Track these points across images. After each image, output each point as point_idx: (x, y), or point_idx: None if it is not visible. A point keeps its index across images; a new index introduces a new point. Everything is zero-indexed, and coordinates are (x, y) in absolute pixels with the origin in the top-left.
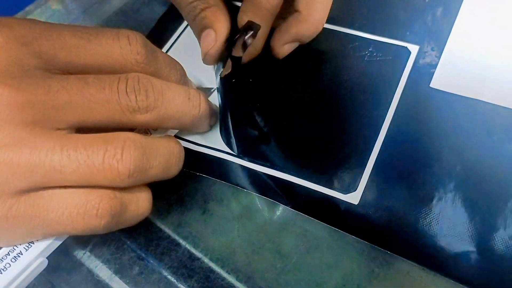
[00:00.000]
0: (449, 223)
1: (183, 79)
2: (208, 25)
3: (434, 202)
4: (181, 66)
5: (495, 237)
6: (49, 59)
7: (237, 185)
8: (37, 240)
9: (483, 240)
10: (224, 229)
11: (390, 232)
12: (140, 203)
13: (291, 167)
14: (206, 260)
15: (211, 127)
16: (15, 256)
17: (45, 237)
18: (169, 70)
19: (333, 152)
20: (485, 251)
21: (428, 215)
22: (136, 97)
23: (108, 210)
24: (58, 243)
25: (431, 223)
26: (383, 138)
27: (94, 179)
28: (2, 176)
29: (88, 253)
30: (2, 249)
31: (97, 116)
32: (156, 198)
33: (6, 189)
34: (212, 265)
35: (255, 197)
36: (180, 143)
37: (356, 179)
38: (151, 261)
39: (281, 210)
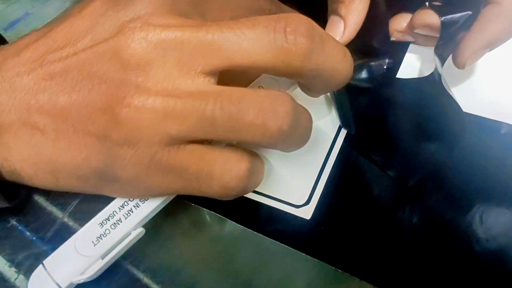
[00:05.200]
0: (402, 240)
1: None
2: (340, 14)
3: (388, 217)
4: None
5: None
6: (202, 8)
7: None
8: (138, 207)
9: (436, 256)
10: (169, 246)
11: (341, 249)
12: (260, 173)
13: None
14: (147, 281)
15: None
16: (114, 223)
17: (177, 193)
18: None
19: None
20: (439, 266)
21: (382, 231)
22: (295, 38)
23: (246, 174)
24: (157, 210)
25: (384, 240)
26: (338, 149)
27: (242, 135)
28: (155, 121)
29: None
30: (102, 212)
31: (247, 57)
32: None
33: (157, 134)
34: (155, 287)
35: (204, 212)
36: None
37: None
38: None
39: (230, 225)
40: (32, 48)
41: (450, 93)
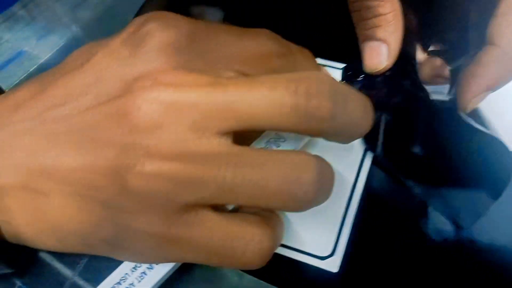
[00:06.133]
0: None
1: (315, 65)
2: (380, 37)
3: (429, 266)
4: (309, 52)
5: None
6: (210, 58)
7: None
8: (152, 268)
9: None
10: None
11: None
12: (281, 236)
13: None
14: None
15: None
16: (139, 276)
17: (194, 262)
18: (303, 58)
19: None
20: None
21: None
22: (319, 102)
23: (270, 250)
24: (173, 270)
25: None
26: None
27: (263, 202)
28: (169, 189)
29: None
30: (113, 275)
31: (267, 120)
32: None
33: (171, 203)
34: None
35: None
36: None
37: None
38: None
39: (247, 278)
40: (31, 104)
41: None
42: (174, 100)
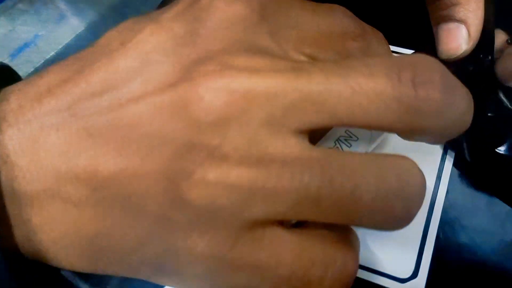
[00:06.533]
0: None
1: (389, 50)
2: (459, 18)
3: None
4: (382, 35)
5: None
6: (280, 37)
7: None
8: None
9: None
10: None
11: None
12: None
13: None
14: None
15: None
16: None
17: None
18: (377, 42)
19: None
20: None
21: None
22: (428, 94)
23: (351, 277)
24: None
25: None
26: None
27: (354, 219)
28: (237, 201)
29: None
30: None
31: (361, 117)
32: None
33: (238, 219)
34: None
35: None
36: None
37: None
38: None
39: None
40: (58, 92)
41: None
42: (248, 89)
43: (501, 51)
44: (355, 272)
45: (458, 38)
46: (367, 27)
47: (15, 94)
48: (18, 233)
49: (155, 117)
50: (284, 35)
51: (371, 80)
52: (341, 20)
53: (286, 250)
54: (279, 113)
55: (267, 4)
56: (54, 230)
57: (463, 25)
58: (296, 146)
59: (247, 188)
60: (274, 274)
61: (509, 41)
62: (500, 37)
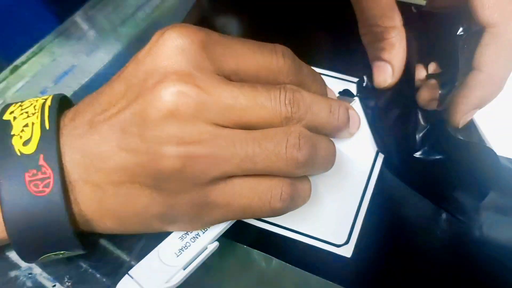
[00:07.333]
0: (451, 278)
1: (324, 89)
2: (386, 59)
3: (434, 253)
4: (321, 77)
5: None
6: (220, 65)
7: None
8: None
9: None
10: (216, 284)
11: (382, 285)
12: (306, 191)
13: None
14: None
15: (351, 135)
16: (194, 237)
17: (233, 219)
18: (312, 82)
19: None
20: None
21: (424, 266)
22: (291, 108)
23: (289, 194)
24: (227, 227)
25: (428, 275)
26: (374, 181)
27: (276, 167)
28: (200, 167)
29: None
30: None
31: (262, 120)
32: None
33: (204, 178)
34: None
35: (250, 250)
36: (333, 143)
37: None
38: None
39: (275, 262)
40: (84, 112)
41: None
42: (180, 91)
43: (423, 81)
44: (291, 192)
45: (385, 74)
46: (305, 67)
47: (66, 114)
48: (74, 211)
49: (132, 121)
50: (220, 63)
51: (265, 100)
52: (279, 58)
53: (244, 190)
54: (221, 116)
55: (209, 40)
56: (92, 205)
57: (388, 65)
58: (244, 132)
59: (199, 159)
60: (239, 206)
61: (428, 76)
62: (421, 72)
